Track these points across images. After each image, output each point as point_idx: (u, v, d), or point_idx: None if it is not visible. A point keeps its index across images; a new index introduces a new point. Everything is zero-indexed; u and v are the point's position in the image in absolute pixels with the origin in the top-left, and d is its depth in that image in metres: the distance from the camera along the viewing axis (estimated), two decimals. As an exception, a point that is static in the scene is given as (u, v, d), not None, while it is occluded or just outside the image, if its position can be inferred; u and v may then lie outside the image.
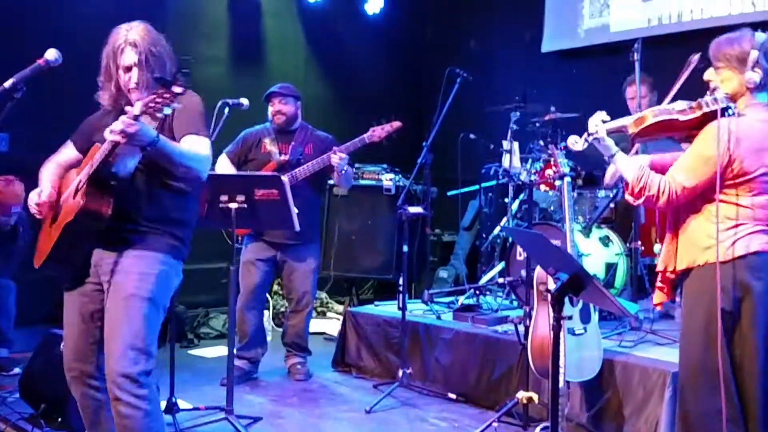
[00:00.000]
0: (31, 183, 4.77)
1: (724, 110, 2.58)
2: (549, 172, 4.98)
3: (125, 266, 2.78)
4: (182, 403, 3.98)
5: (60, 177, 3.00)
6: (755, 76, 2.60)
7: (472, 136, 5.62)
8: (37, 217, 2.94)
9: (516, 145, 5.24)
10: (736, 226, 2.60)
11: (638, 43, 4.36)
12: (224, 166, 4.76)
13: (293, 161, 4.70)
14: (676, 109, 2.66)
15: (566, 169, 3.82)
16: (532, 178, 4.97)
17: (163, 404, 3.84)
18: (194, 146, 2.78)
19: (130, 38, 2.82)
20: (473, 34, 7.41)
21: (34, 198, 2.89)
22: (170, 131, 2.81)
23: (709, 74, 2.73)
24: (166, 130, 2.79)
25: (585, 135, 2.88)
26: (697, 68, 3.19)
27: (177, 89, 2.49)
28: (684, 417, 2.74)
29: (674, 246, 2.74)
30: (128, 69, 2.81)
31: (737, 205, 2.60)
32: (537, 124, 5.35)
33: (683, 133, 2.73)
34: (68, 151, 3.04)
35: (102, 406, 2.93)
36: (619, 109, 5.41)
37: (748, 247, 2.58)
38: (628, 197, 2.79)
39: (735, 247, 2.59)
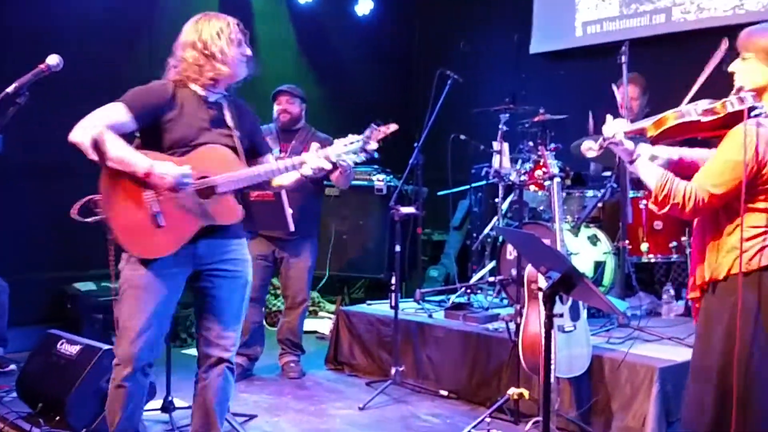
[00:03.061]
0: (26, 185, 4.81)
1: (750, 110, 2.40)
2: (538, 172, 5.06)
3: (240, 255, 3.13)
4: (178, 402, 4.03)
5: None
6: None
7: (462, 137, 5.69)
8: (166, 192, 2.86)
9: (506, 145, 5.32)
10: (760, 234, 2.41)
11: (625, 45, 4.44)
12: None
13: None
14: (698, 110, 2.46)
15: (556, 170, 3.89)
16: (522, 178, 5.04)
17: (159, 403, 3.91)
18: None
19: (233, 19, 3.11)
20: (463, 36, 7.45)
21: (186, 170, 2.85)
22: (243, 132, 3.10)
23: (734, 65, 2.55)
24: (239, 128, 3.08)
25: (600, 140, 2.67)
26: (723, 61, 2.96)
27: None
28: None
29: (702, 259, 2.55)
30: (240, 43, 3.07)
31: (763, 211, 2.42)
32: (526, 125, 5.42)
33: (707, 133, 2.53)
34: (121, 117, 2.88)
35: (145, 393, 3.13)
36: (607, 111, 5.51)
37: None
38: (651, 206, 2.57)
39: (759, 257, 2.41)
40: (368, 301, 5.53)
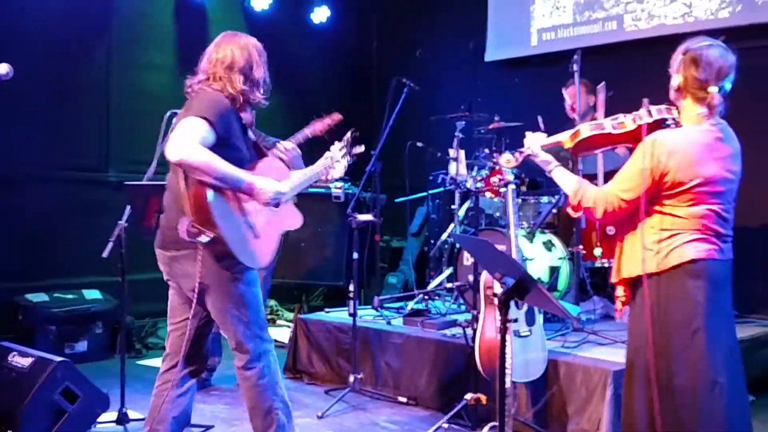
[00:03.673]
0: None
1: (662, 121, 2.62)
2: (494, 179, 5.08)
3: None
4: (133, 414, 3.98)
5: None
6: (675, 80, 2.65)
7: (419, 144, 5.73)
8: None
9: (462, 153, 5.36)
10: (672, 236, 2.60)
11: (577, 54, 4.52)
12: None
13: None
14: (612, 123, 2.69)
15: (510, 177, 3.91)
16: (478, 185, 5.08)
17: (113, 415, 3.86)
18: None
19: None
20: (419, 44, 7.53)
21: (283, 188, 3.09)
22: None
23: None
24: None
25: (517, 153, 2.97)
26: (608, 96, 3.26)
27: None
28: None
29: (618, 257, 2.76)
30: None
31: (673, 215, 2.60)
32: (482, 132, 5.48)
33: (623, 145, 2.78)
34: (208, 133, 2.89)
35: None
36: (560, 117, 5.61)
37: (682, 256, 2.58)
38: (569, 210, 2.84)
39: (670, 257, 2.59)
40: (326, 309, 5.52)
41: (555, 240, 4.97)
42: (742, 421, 2.63)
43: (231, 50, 3.12)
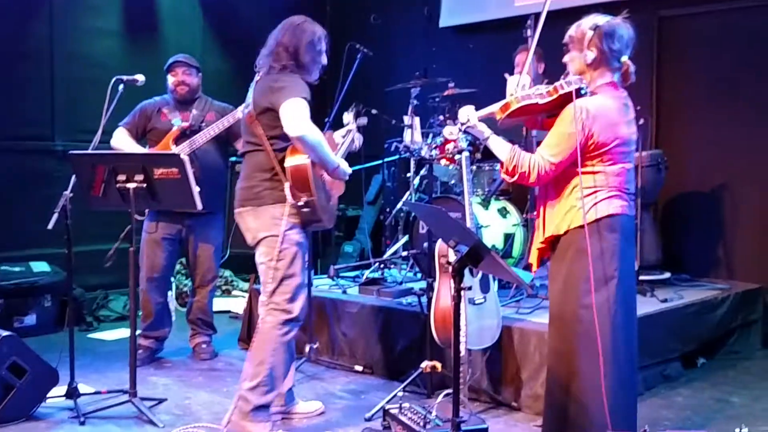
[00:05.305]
0: None
1: (578, 90, 2.83)
2: (449, 146, 5.05)
3: None
4: (84, 388, 3.91)
5: None
6: (590, 54, 2.86)
7: (374, 111, 5.63)
8: None
9: (417, 120, 5.30)
10: (594, 193, 2.83)
11: (531, 19, 4.45)
12: (122, 139, 4.62)
13: (195, 127, 4.65)
14: (535, 94, 2.89)
15: (464, 144, 3.89)
16: (433, 152, 5.04)
17: (63, 389, 3.78)
18: None
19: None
20: (374, 9, 7.39)
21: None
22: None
23: (566, 57, 2.99)
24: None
25: (458, 125, 3.22)
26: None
27: None
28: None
29: (542, 218, 3.00)
30: None
31: (594, 173, 2.83)
32: (437, 100, 5.43)
33: (546, 113, 2.99)
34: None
35: None
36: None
37: (600, 211, 2.82)
38: (504, 176, 3.01)
39: (589, 213, 2.82)
40: (281, 279, 5.45)
41: (510, 207, 4.97)
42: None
43: (306, 36, 3.97)
